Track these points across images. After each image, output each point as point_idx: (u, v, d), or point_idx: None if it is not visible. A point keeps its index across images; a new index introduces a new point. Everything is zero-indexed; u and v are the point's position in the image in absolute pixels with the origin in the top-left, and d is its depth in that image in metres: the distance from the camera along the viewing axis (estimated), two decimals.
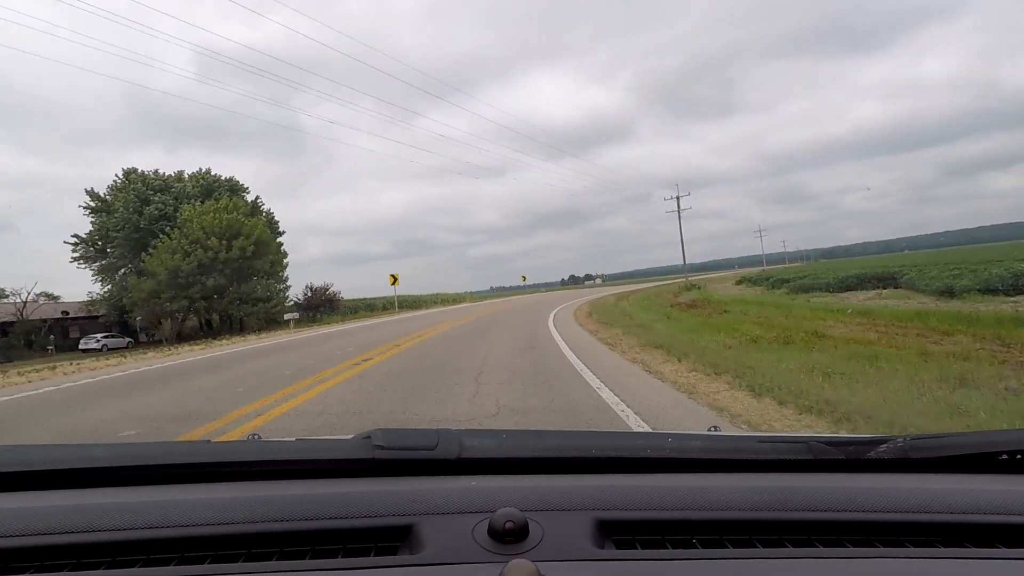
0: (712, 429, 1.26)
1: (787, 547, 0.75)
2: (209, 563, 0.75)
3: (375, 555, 0.76)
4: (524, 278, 56.80)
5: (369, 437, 0.99)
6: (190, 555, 0.77)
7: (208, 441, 1.19)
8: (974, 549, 0.74)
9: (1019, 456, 0.92)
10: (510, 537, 0.73)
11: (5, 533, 0.78)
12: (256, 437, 1.27)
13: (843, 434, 1.29)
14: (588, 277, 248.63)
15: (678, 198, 42.33)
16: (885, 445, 0.95)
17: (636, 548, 0.76)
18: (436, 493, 0.86)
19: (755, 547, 0.76)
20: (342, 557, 0.76)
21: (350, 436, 1.08)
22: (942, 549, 0.74)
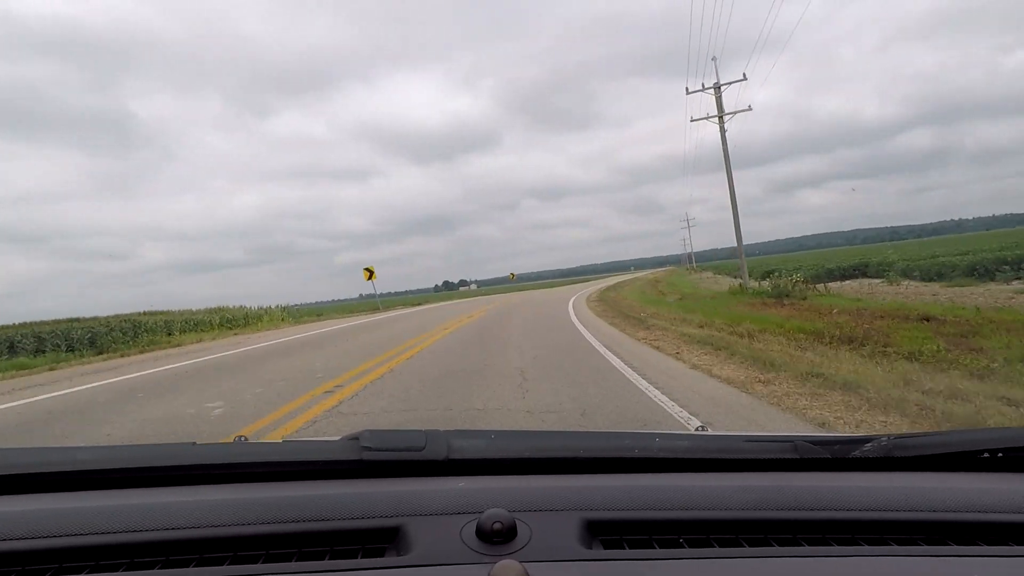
0: (700, 429, 1.26)
1: (773, 546, 0.75)
2: (194, 566, 0.74)
3: (362, 557, 0.75)
4: (370, 273, 28.47)
5: (357, 438, 0.97)
6: (175, 558, 0.76)
7: (194, 443, 1.11)
8: (955, 547, 0.74)
9: (999, 454, 0.92)
10: (498, 538, 0.72)
11: None
12: (243, 439, 1.23)
13: (829, 433, 1.18)
14: (463, 283, 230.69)
15: (717, 86, 18.13)
16: (870, 444, 0.95)
17: (624, 548, 0.76)
18: (424, 494, 0.84)
19: (742, 546, 0.75)
20: (329, 559, 0.75)
21: (338, 437, 1.06)
22: (924, 547, 0.74)
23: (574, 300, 21.19)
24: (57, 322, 22.62)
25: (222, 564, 0.74)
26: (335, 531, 0.78)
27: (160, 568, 0.74)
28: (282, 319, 30.57)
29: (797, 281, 15.32)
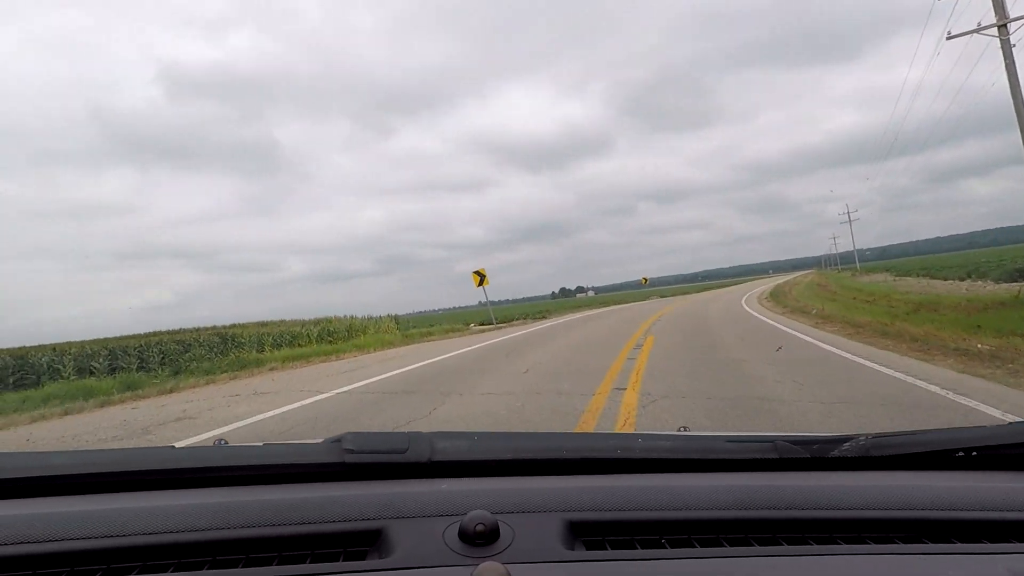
0: (681, 429, 1.25)
1: (753, 546, 0.76)
2: (172, 571, 0.74)
3: (344, 560, 0.75)
4: (480, 278, 22.77)
5: (339, 441, 0.97)
6: (152, 563, 0.75)
7: (172, 447, 1.12)
8: (930, 544, 0.75)
9: (974, 453, 0.94)
10: (480, 539, 0.72)
11: None
12: (223, 442, 1.22)
13: (809, 433, 1.12)
14: (580, 289, 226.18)
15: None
16: (848, 444, 0.96)
17: (606, 548, 0.76)
18: (407, 496, 0.84)
19: (723, 546, 0.76)
20: (310, 562, 0.74)
21: (320, 440, 1.05)
22: (900, 545, 0.75)
23: (770, 316, 15.34)
24: (150, 335, 21.17)
25: (201, 568, 0.73)
26: (316, 534, 0.77)
27: (138, 573, 0.73)
28: (389, 331, 27.36)
29: None
